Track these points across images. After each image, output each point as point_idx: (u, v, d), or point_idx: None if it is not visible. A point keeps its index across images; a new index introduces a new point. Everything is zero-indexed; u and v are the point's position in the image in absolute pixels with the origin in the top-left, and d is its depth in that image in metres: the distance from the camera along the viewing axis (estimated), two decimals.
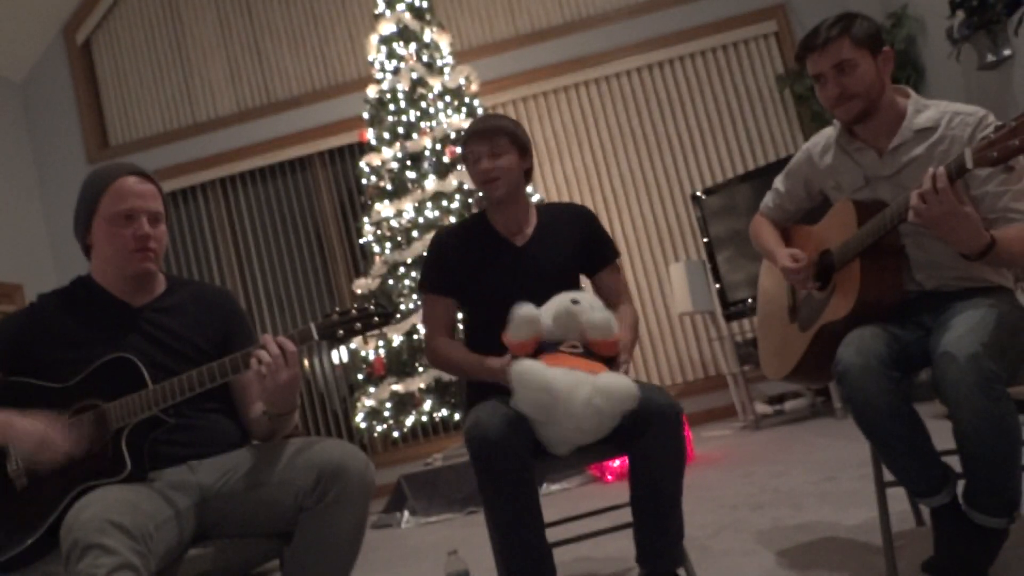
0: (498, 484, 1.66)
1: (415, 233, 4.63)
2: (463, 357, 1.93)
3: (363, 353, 4.66)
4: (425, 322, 2.05)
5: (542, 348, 1.77)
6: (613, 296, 2.06)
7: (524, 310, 1.76)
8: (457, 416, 4.50)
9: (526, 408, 1.67)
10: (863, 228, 1.74)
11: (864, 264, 1.74)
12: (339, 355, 5.76)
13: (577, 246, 2.05)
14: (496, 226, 2.04)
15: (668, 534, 1.80)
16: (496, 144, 1.97)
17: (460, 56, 5.60)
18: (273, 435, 1.73)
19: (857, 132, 1.84)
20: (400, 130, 4.86)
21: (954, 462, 1.60)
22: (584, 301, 1.81)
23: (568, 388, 1.64)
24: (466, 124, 4.77)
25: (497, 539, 1.73)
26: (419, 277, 2.07)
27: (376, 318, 1.60)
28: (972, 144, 1.49)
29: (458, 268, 2.00)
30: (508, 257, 2.00)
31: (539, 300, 1.84)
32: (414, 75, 4.89)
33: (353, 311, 1.60)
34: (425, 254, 2.06)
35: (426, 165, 4.79)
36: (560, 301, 1.81)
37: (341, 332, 1.59)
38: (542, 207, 2.11)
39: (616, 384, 1.65)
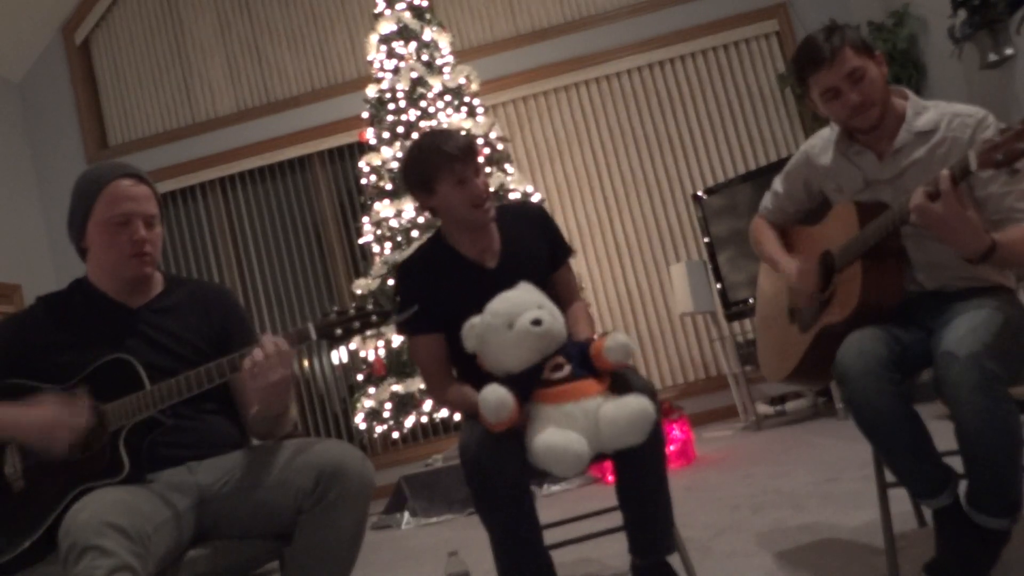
0: (493, 506, 1.66)
1: (415, 233, 4.63)
2: (471, 403, 1.77)
3: (363, 354, 4.65)
4: (418, 364, 1.92)
5: (525, 380, 1.67)
6: (568, 293, 2.04)
7: (492, 396, 1.61)
8: (457, 417, 4.48)
9: (562, 474, 1.63)
10: (864, 230, 1.73)
11: (865, 266, 1.73)
12: (339, 356, 5.74)
13: (542, 253, 1.98)
14: (461, 249, 1.91)
15: (657, 520, 1.80)
16: (477, 163, 1.85)
17: (460, 55, 5.58)
18: (270, 435, 1.72)
19: (857, 135, 1.83)
20: (400, 130, 4.85)
21: (956, 463, 1.60)
22: (544, 314, 1.70)
23: (595, 433, 1.60)
24: (467, 124, 4.76)
25: (497, 553, 1.73)
26: (396, 319, 1.88)
27: (374, 317, 1.60)
28: (975, 146, 1.48)
29: (436, 302, 1.86)
30: (483, 283, 1.86)
31: None
32: (414, 74, 4.88)
33: (351, 311, 1.60)
34: (395, 293, 1.92)
35: None
36: (520, 325, 1.67)
37: (339, 332, 1.58)
38: (497, 215, 1.94)
39: (638, 410, 1.60)
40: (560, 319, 1.75)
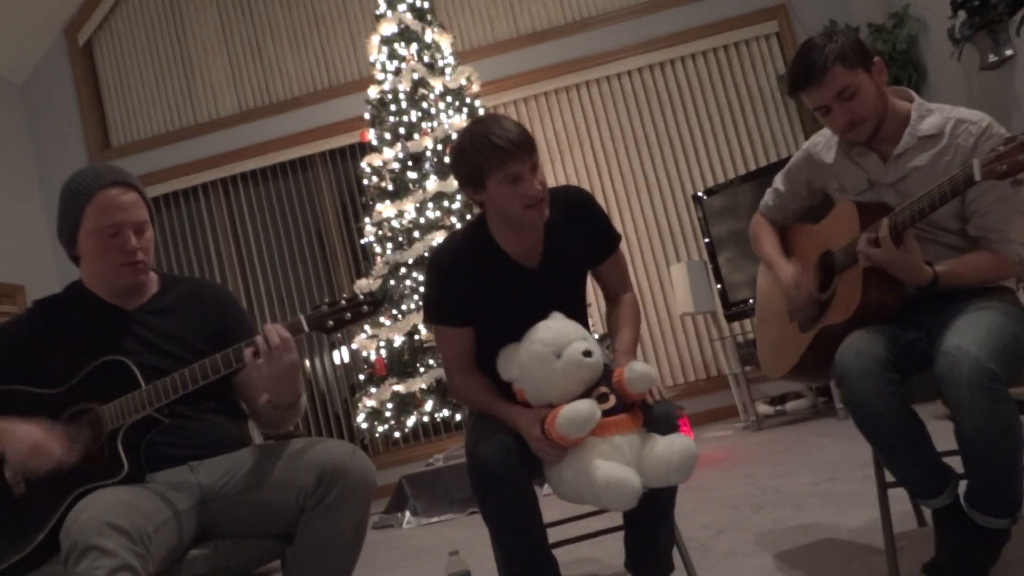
0: (501, 511, 1.65)
1: (416, 234, 4.64)
2: (492, 403, 1.75)
3: (364, 354, 4.66)
4: (443, 356, 1.86)
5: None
6: (616, 285, 1.97)
7: (586, 410, 1.58)
8: (459, 416, 4.50)
9: (599, 505, 1.61)
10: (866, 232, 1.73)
11: (867, 269, 1.73)
12: (340, 355, 5.76)
13: (584, 246, 1.89)
14: (504, 246, 1.80)
15: (659, 543, 1.80)
16: (534, 159, 1.71)
17: (461, 56, 5.59)
18: (281, 424, 1.73)
19: None
20: (401, 130, 4.86)
21: (955, 463, 1.60)
22: (592, 345, 1.66)
23: (647, 474, 1.58)
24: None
25: (502, 556, 1.73)
26: (425, 307, 1.86)
27: (364, 307, 1.59)
28: (980, 156, 1.49)
29: (470, 297, 1.79)
30: (524, 284, 1.81)
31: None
32: (415, 75, 4.89)
33: (342, 301, 1.60)
34: (427, 281, 1.86)
35: (427, 166, 4.79)
36: (571, 355, 1.63)
37: (331, 323, 1.58)
38: None
39: (686, 452, 1.59)
40: (599, 349, 1.71)
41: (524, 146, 1.68)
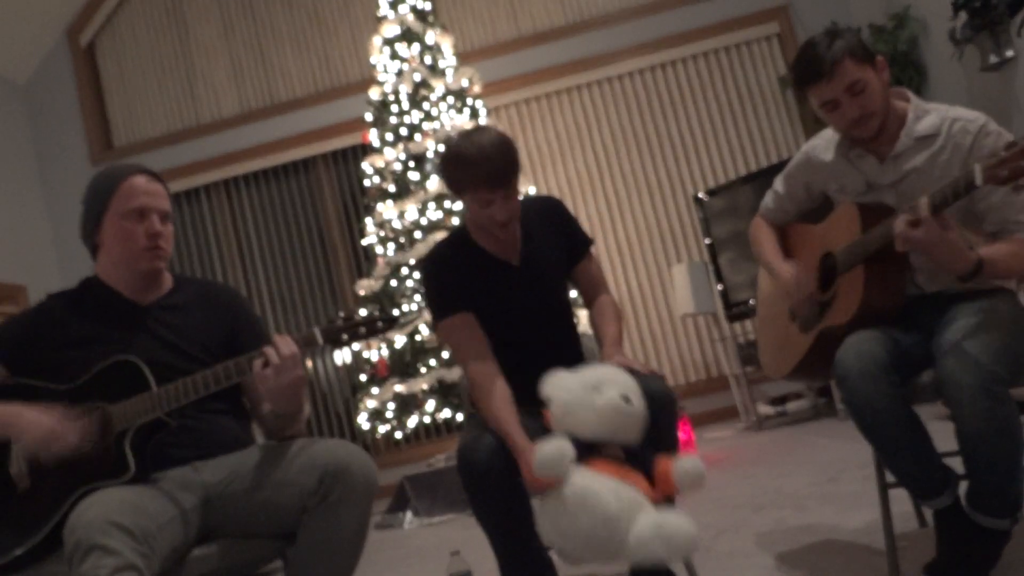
0: (489, 512, 1.68)
1: (418, 234, 4.64)
2: (503, 419, 1.68)
3: (366, 354, 4.67)
4: (454, 347, 1.85)
5: (579, 445, 1.52)
6: (592, 288, 2.03)
7: (555, 449, 1.49)
8: (460, 417, 4.50)
9: (574, 545, 1.47)
10: (868, 234, 1.73)
11: (868, 270, 1.73)
12: (342, 356, 5.77)
13: (561, 248, 1.98)
14: (485, 246, 1.91)
15: None
16: (510, 187, 1.78)
17: (463, 58, 5.60)
18: (282, 432, 1.74)
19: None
20: (403, 131, 4.87)
21: (956, 463, 1.61)
22: (631, 394, 1.58)
23: (627, 521, 1.44)
24: (469, 126, 4.78)
25: (497, 554, 1.75)
26: (430, 308, 1.90)
27: (379, 323, 1.63)
28: (980, 159, 1.49)
29: (462, 289, 1.86)
30: (508, 280, 1.89)
31: (540, 317, 1.87)
32: (417, 77, 4.90)
33: (357, 317, 1.62)
34: (423, 285, 1.94)
35: (429, 166, 4.80)
36: (611, 396, 1.55)
37: (346, 337, 1.61)
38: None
39: (682, 532, 1.43)
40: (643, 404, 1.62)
41: (500, 178, 1.75)
